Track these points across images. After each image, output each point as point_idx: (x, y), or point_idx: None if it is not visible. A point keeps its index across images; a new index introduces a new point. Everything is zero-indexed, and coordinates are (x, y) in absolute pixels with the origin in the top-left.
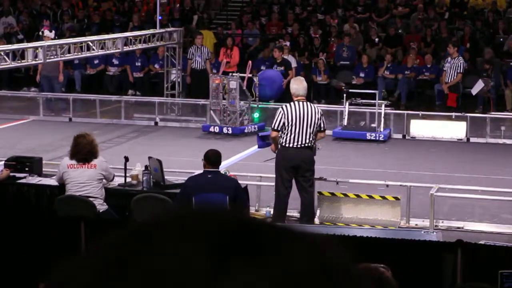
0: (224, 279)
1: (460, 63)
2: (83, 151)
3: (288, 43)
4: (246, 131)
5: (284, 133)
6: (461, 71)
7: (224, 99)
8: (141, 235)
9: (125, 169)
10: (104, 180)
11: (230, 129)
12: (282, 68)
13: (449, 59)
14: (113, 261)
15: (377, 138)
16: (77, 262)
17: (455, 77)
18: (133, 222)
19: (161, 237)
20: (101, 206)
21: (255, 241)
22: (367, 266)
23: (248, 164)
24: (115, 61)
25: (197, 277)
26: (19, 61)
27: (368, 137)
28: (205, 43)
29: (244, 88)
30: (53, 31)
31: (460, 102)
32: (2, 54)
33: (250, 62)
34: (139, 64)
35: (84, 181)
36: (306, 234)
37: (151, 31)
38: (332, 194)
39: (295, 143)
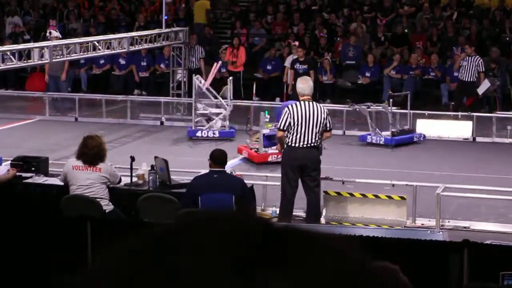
0: None
1: (480, 61)
2: (90, 153)
3: (297, 43)
4: (198, 135)
5: (290, 133)
6: (482, 70)
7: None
8: (160, 245)
9: (131, 168)
10: (108, 182)
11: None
12: (306, 66)
13: (465, 58)
14: (132, 272)
15: (420, 139)
16: (98, 271)
17: (476, 76)
18: (150, 228)
19: (185, 247)
20: (107, 206)
21: (281, 251)
22: (386, 265)
23: (254, 164)
24: (121, 61)
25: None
26: (25, 61)
27: (415, 139)
28: (200, 11)
29: (204, 90)
30: (57, 30)
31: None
32: (9, 54)
33: (220, 63)
34: (145, 63)
35: (87, 184)
36: (331, 239)
37: (156, 30)
38: (338, 193)
39: (301, 143)
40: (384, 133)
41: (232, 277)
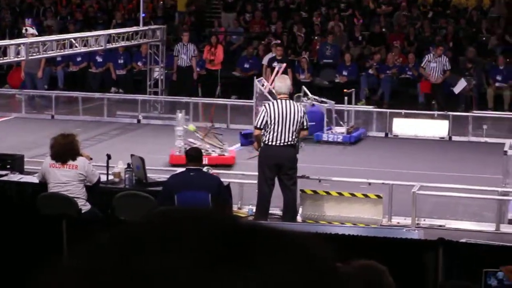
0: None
1: (446, 60)
2: (59, 151)
3: (278, 41)
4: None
5: (267, 131)
6: (448, 68)
7: None
8: (131, 241)
9: (107, 166)
10: (85, 180)
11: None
12: (284, 64)
13: (431, 57)
14: (101, 267)
15: (365, 135)
16: (66, 268)
17: (441, 75)
18: (121, 224)
19: (151, 243)
20: (83, 206)
21: (248, 249)
22: (371, 264)
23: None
24: (98, 59)
25: (186, 285)
26: (1, 58)
27: (362, 135)
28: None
29: (265, 93)
30: (34, 27)
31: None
32: None
33: (284, 65)
34: (122, 61)
35: (64, 181)
36: (299, 237)
37: (134, 28)
38: (315, 192)
39: (278, 141)
40: (337, 130)
41: (198, 275)
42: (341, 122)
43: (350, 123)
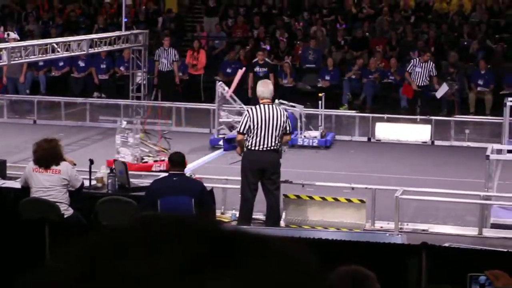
0: None
1: (433, 66)
2: (42, 156)
3: (268, 47)
4: (220, 143)
5: (250, 136)
6: (434, 74)
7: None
8: (114, 245)
9: (90, 171)
10: (68, 185)
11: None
12: (266, 69)
13: (417, 62)
14: (85, 271)
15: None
16: (45, 273)
17: (427, 80)
18: (104, 228)
19: (134, 247)
20: (66, 211)
21: (230, 255)
22: (355, 269)
23: (214, 167)
24: (81, 63)
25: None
26: None
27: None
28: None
29: (228, 97)
30: (15, 32)
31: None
32: None
33: (243, 69)
34: (105, 66)
35: (47, 186)
36: (281, 242)
37: (116, 33)
38: (298, 196)
39: (261, 146)
40: (310, 134)
41: (179, 281)
42: (310, 127)
43: (321, 127)
